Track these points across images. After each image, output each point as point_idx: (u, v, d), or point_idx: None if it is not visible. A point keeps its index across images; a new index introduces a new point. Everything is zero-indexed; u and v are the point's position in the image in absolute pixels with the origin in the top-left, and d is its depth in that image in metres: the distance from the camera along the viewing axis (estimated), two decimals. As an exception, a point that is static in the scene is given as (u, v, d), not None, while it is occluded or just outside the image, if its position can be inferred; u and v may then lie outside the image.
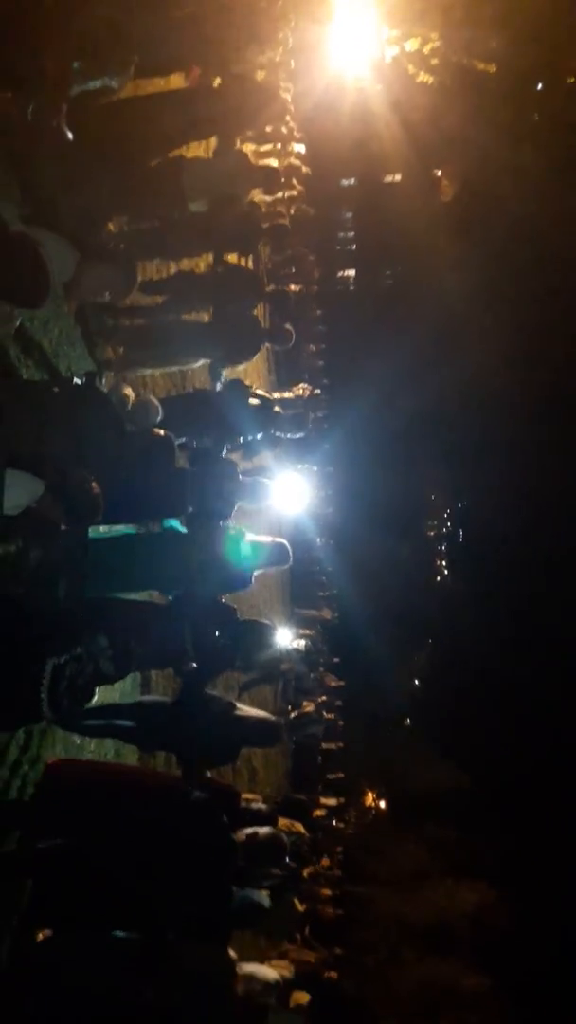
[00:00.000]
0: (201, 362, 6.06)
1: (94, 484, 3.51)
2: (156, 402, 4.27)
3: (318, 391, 19.92)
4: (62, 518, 3.41)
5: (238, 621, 4.86)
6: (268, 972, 5.16)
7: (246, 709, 5.18)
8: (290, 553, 5.70)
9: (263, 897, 4.76)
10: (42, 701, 3.30)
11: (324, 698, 21.62)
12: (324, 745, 22.28)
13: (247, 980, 4.33)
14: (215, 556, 4.92)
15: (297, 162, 13.23)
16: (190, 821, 4.05)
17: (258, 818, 4.93)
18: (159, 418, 4.59)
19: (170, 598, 5.08)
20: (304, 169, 13.58)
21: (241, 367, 6.25)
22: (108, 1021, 3.76)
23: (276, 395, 12.53)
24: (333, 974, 15.90)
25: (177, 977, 3.87)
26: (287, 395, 11.56)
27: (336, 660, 25.20)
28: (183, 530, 5.23)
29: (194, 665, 4.66)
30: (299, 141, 14.52)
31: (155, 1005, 3.75)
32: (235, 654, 4.86)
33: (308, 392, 14.12)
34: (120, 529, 5.18)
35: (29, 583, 3.30)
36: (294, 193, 13.03)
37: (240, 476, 5.52)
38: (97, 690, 3.61)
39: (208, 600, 4.80)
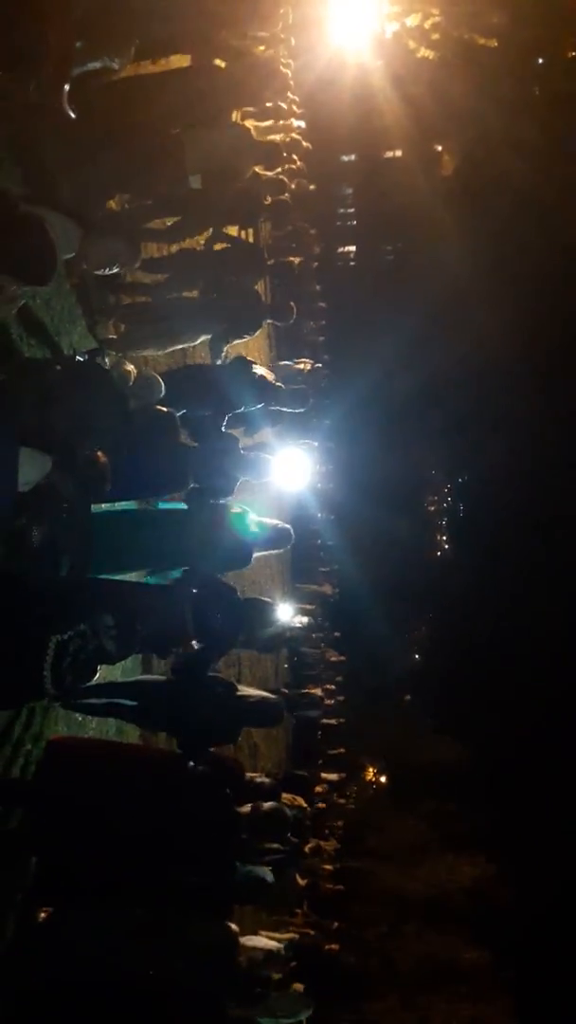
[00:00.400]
0: (202, 338, 6.04)
1: (100, 455, 3.53)
2: (159, 377, 4.27)
3: (319, 365, 19.92)
4: (71, 492, 3.43)
5: (239, 602, 4.87)
6: (268, 942, 5.24)
7: (247, 689, 5.22)
8: (292, 535, 5.70)
9: (266, 872, 4.82)
10: (45, 678, 3.33)
11: (330, 687, 21.72)
12: (324, 720, 22.42)
13: (249, 951, 4.40)
14: (216, 533, 4.93)
15: (298, 137, 13.15)
16: (193, 795, 4.08)
17: (261, 792, 4.97)
18: (162, 393, 4.59)
19: (171, 576, 5.10)
20: (305, 144, 13.49)
21: (242, 342, 6.21)
22: (113, 995, 3.81)
23: (281, 363, 12.50)
24: (334, 947, 16.10)
25: (180, 950, 3.92)
26: (289, 365, 11.51)
27: (337, 635, 25.27)
28: (182, 507, 5.24)
29: (195, 645, 4.69)
30: (300, 117, 14.42)
31: (159, 978, 3.80)
32: (236, 635, 4.88)
33: (310, 366, 14.10)
34: (121, 506, 5.19)
35: (33, 560, 3.32)
36: (295, 167, 12.96)
37: (242, 452, 5.52)
38: (99, 669, 3.63)
39: (209, 580, 4.82)
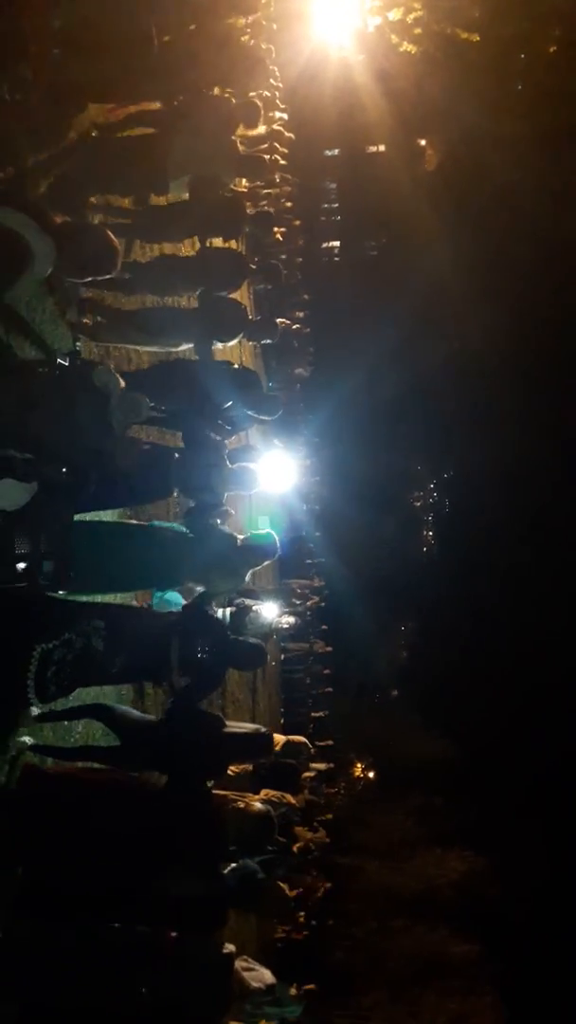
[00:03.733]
0: (184, 347, 5.98)
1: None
2: (144, 398, 4.21)
3: (298, 326, 19.92)
4: (57, 503, 3.38)
5: (227, 640, 4.85)
6: (265, 975, 5.27)
7: (235, 725, 5.19)
8: (278, 545, 5.61)
9: (256, 865, 4.78)
10: (29, 687, 3.29)
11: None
12: (313, 714, 22.47)
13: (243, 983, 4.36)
14: (217, 556, 4.88)
15: (280, 128, 13.12)
16: (176, 813, 4.03)
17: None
18: (146, 415, 4.52)
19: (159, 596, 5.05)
20: (287, 134, 13.45)
21: (223, 347, 6.12)
22: (103, 1012, 3.76)
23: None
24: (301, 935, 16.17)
25: (174, 968, 3.87)
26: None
27: (324, 627, 25.20)
28: (179, 528, 5.17)
29: (184, 682, 4.64)
30: (282, 111, 14.39)
31: (152, 997, 3.75)
32: (223, 674, 4.84)
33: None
34: (107, 518, 5.14)
35: (15, 569, 3.27)
36: (278, 158, 12.94)
37: (227, 463, 5.44)
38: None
39: (200, 612, 4.78)
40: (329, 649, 24.05)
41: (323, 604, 24.60)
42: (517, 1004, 21.69)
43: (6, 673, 3.29)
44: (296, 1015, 8.30)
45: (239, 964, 5.59)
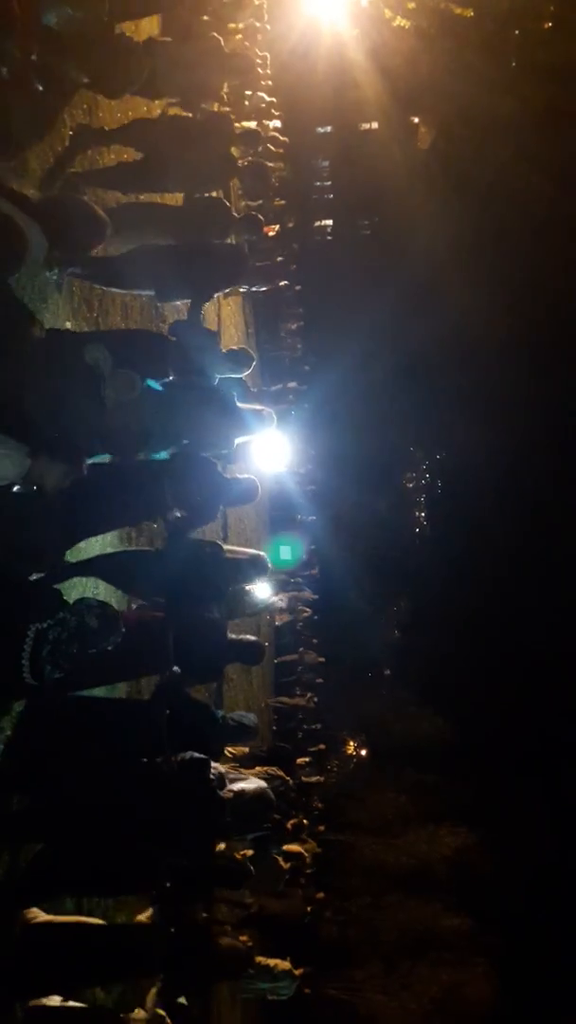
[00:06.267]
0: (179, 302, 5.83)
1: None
2: (136, 376, 4.19)
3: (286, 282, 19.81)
4: (50, 484, 3.38)
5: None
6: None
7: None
8: (259, 488, 5.56)
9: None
10: (23, 667, 3.29)
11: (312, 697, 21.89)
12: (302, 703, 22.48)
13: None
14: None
15: (262, 94, 13.09)
16: (177, 779, 4.06)
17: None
18: (139, 391, 4.50)
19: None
20: (271, 98, 13.41)
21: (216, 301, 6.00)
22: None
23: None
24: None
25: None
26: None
27: (315, 596, 25.04)
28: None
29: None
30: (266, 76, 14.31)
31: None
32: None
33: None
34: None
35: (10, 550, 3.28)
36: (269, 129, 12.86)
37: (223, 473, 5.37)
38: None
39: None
40: (322, 660, 23.89)
41: (315, 617, 24.55)
42: (510, 974, 21.98)
43: (0, 654, 3.30)
44: (289, 993, 8.37)
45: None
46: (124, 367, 4.12)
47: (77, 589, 5.14)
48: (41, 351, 3.89)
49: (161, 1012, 4.39)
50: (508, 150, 24.24)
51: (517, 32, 22.60)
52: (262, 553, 5.37)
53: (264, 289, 13.52)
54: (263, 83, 13.62)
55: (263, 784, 4.79)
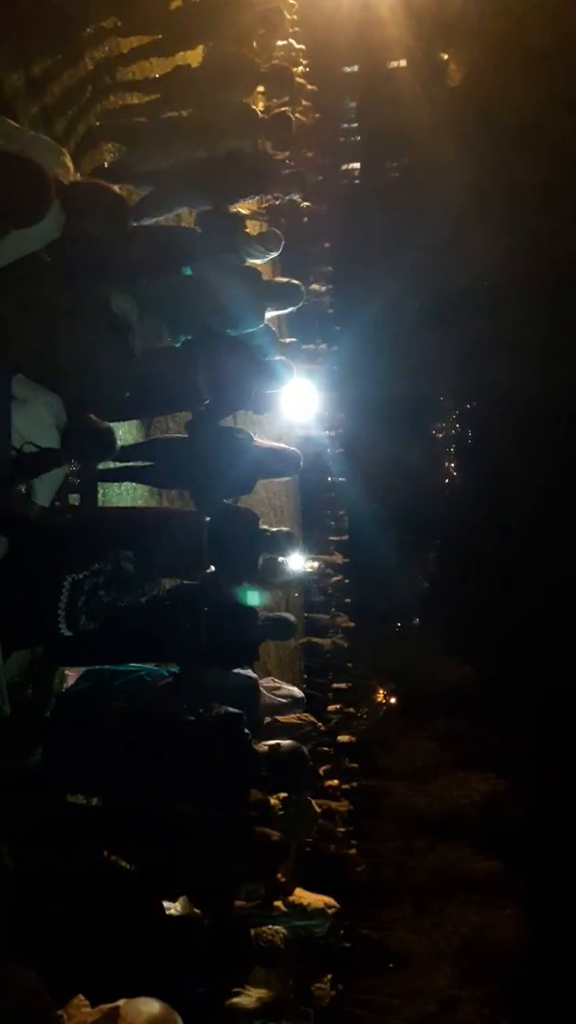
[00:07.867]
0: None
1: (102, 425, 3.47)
2: (163, 325, 4.15)
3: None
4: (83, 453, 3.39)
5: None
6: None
7: (263, 440, 5.28)
8: (300, 461, 5.47)
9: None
10: (59, 616, 3.32)
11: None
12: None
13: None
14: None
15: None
16: (212, 736, 4.07)
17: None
18: (167, 340, 4.45)
19: None
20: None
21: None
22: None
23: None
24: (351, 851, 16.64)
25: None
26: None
27: (345, 560, 25.20)
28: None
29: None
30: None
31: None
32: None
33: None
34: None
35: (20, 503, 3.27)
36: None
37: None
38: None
39: (222, 507, 4.82)
40: (352, 624, 23.97)
41: (347, 582, 24.63)
42: (537, 915, 22.35)
43: (37, 605, 3.32)
44: (322, 932, 8.49)
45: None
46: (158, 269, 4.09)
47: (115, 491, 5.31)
48: (66, 302, 3.86)
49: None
50: (540, 86, 23.54)
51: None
52: (293, 448, 5.41)
53: (305, 204, 13.11)
54: (291, 29, 13.27)
55: (297, 744, 4.81)
